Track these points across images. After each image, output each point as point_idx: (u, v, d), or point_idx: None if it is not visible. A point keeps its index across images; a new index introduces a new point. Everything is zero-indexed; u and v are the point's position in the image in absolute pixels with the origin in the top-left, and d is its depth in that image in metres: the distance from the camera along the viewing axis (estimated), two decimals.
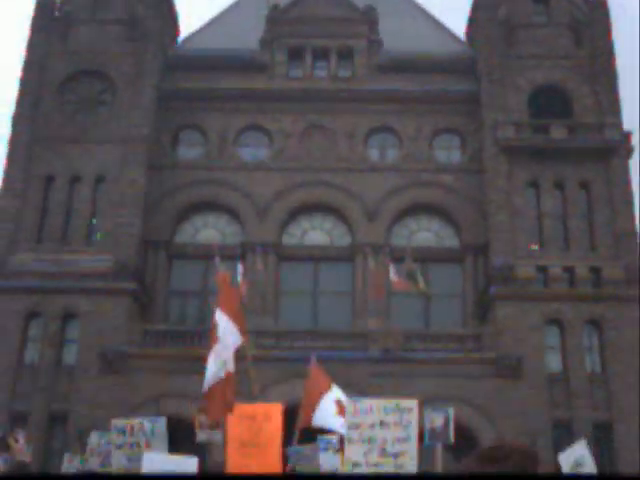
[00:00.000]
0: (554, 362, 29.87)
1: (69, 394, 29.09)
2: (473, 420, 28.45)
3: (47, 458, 27.34)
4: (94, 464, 9.43)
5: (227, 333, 12.31)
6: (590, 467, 5.71)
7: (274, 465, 10.81)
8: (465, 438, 26.37)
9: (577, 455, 5.95)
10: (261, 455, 10.78)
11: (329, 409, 12.67)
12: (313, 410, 12.80)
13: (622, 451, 27.80)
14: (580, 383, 29.15)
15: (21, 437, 12.17)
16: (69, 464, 9.37)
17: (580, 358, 29.60)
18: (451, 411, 11.22)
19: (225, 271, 26.11)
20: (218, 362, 11.75)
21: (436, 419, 11.12)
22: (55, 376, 29.46)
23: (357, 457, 9.53)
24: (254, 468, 10.66)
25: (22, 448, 12.00)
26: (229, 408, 11.27)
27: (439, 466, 10.68)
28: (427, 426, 11.09)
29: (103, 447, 10.09)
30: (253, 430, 10.91)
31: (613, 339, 29.45)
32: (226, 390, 11.36)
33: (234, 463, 10.64)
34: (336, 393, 13.14)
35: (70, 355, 30.16)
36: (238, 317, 12.67)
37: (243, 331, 12.59)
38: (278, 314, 32.59)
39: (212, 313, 12.99)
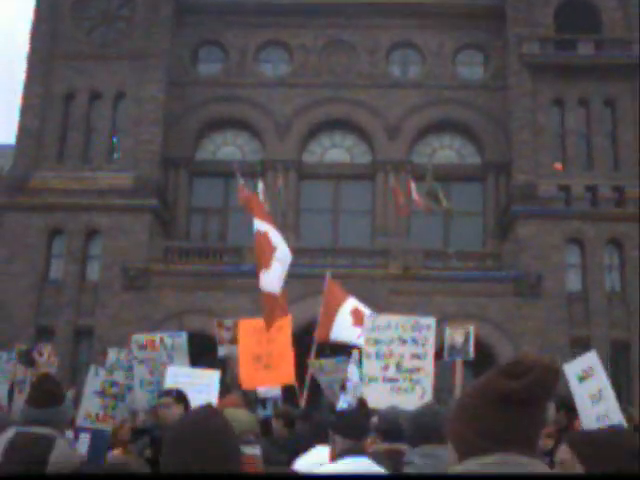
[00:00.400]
0: (574, 281, 29.89)
1: (93, 310, 29.61)
2: (492, 337, 28.72)
3: (74, 372, 28.01)
4: (118, 377, 9.62)
5: (280, 243, 12.48)
6: (599, 380, 5.70)
7: (288, 376, 10.85)
8: (484, 355, 26.67)
9: (585, 366, 5.93)
10: (274, 367, 10.78)
11: (345, 321, 12.72)
12: (330, 325, 12.84)
13: (637, 369, 28.03)
14: (599, 302, 29.23)
15: (45, 351, 12.44)
16: (95, 377, 9.56)
17: (600, 277, 29.60)
18: (471, 328, 11.30)
19: (246, 188, 26.17)
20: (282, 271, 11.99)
21: (456, 336, 11.22)
22: (79, 292, 29.93)
23: (373, 372, 9.69)
24: (267, 381, 10.75)
25: (47, 361, 12.29)
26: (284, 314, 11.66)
27: (459, 380, 10.79)
28: (447, 343, 11.19)
29: (124, 362, 10.25)
30: (263, 343, 10.90)
31: (634, 258, 29.36)
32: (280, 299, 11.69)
33: (247, 377, 10.70)
34: (352, 303, 13.15)
35: (93, 271, 30.57)
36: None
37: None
38: (299, 232, 32.70)
39: (251, 225, 13.07)
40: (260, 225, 12.59)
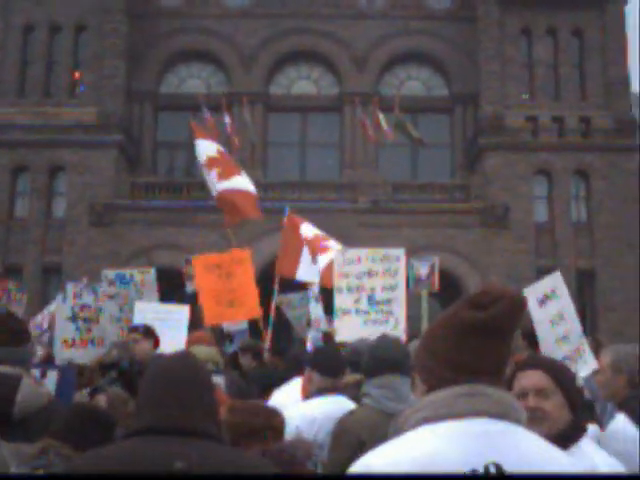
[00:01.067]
0: (541, 212, 30.16)
1: (61, 247, 29.37)
2: (460, 269, 29.02)
3: (44, 308, 27.89)
4: (88, 300, 9.57)
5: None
6: (561, 302, 5.71)
7: (253, 310, 10.78)
8: (451, 287, 26.99)
9: (547, 288, 5.93)
10: (237, 302, 10.68)
11: (307, 259, 12.74)
12: (296, 261, 12.80)
13: (603, 298, 28.58)
14: (565, 232, 29.57)
15: (13, 289, 12.33)
16: (63, 303, 9.51)
17: (566, 208, 29.89)
18: (436, 260, 11.34)
19: (211, 122, 25.82)
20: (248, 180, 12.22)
21: (421, 267, 11.28)
22: (45, 229, 29.64)
23: (346, 305, 9.75)
24: (232, 316, 10.68)
25: (14, 299, 12.19)
26: (246, 216, 11.92)
27: (425, 311, 10.91)
28: (412, 274, 11.23)
29: (89, 297, 10.17)
30: (223, 278, 10.80)
31: (600, 189, 29.64)
32: (248, 203, 11.92)
33: (210, 313, 10.63)
34: (309, 231, 13.17)
35: (59, 208, 30.23)
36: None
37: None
38: (266, 166, 32.50)
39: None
40: (211, 146, 12.66)
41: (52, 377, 4.84)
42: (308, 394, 5.12)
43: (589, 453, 2.99)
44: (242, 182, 12.42)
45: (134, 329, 7.62)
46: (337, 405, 4.90)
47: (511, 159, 29.74)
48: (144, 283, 10.68)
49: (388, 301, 9.67)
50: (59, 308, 9.55)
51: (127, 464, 2.30)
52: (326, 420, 4.78)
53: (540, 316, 5.93)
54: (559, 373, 3.17)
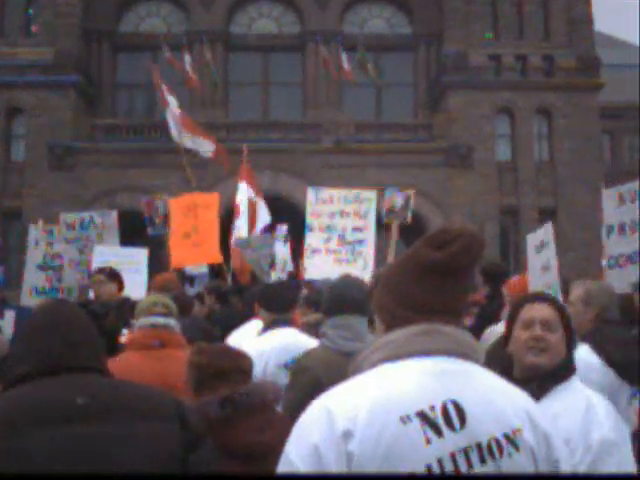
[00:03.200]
0: (503, 151, 30.28)
1: (20, 190, 28.93)
2: (423, 208, 29.09)
3: (5, 255, 27.62)
4: (59, 249, 9.50)
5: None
6: (549, 252, 5.83)
7: (214, 254, 10.83)
8: (415, 226, 27.10)
9: (541, 237, 6.07)
10: (200, 244, 10.73)
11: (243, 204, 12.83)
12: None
13: (564, 237, 28.91)
14: (528, 171, 29.75)
15: None
16: (35, 249, 9.43)
17: (529, 146, 30.02)
18: (412, 193, 11.34)
19: (174, 61, 25.39)
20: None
21: (397, 199, 11.25)
22: (4, 173, 29.12)
23: (316, 244, 9.84)
24: (195, 258, 10.73)
25: None
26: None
27: (393, 243, 10.89)
28: (385, 206, 11.18)
29: (62, 238, 10.08)
30: (190, 220, 10.83)
31: (562, 127, 29.76)
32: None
33: (177, 255, 10.67)
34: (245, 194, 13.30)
35: (18, 152, 29.67)
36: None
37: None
38: (228, 106, 32.11)
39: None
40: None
41: (9, 316, 4.81)
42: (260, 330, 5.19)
43: (581, 389, 3.06)
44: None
45: (99, 271, 7.55)
46: (285, 337, 4.96)
47: (474, 98, 29.68)
48: (105, 226, 10.59)
49: (358, 242, 9.78)
50: (30, 254, 9.48)
51: (24, 408, 2.31)
52: (274, 352, 4.85)
53: (534, 262, 6.05)
54: (563, 310, 3.24)
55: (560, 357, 3.11)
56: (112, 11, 32.12)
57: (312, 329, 5.43)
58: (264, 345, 4.92)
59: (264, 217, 12.97)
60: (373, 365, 1.99)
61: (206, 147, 12.46)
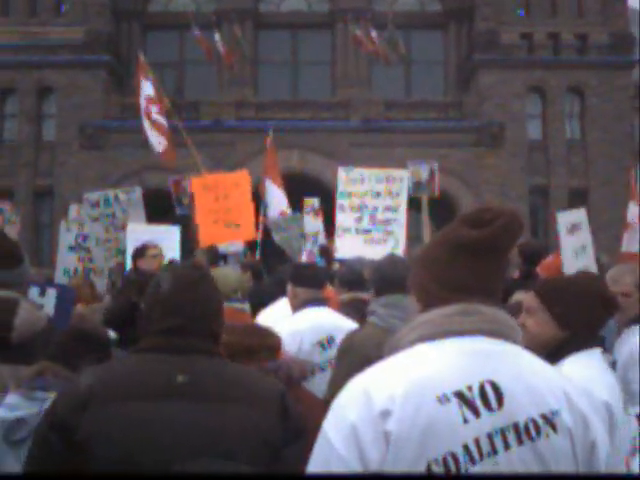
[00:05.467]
0: (534, 130, 29.98)
1: (52, 170, 29.19)
2: (453, 188, 28.96)
3: (36, 232, 27.94)
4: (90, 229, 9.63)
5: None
6: (585, 236, 5.79)
7: (249, 232, 10.78)
8: (445, 206, 27.00)
9: (574, 220, 6.02)
10: (233, 223, 10.66)
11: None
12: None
13: (596, 217, 28.58)
14: (559, 150, 29.46)
15: (8, 210, 12.29)
16: (67, 232, 9.55)
17: (560, 126, 29.70)
18: (436, 165, 11.26)
19: (203, 40, 25.40)
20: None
21: (421, 172, 11.20)
22: (36, 152, 29.39)
23: (347, 224, 9.87)
24: (228, 237, 10.71)
25: (9, 221, 12.15)
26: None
27: (426, 220, 10.87)
28: (412, 180, 11.14)
29: (87, 218, 10.21)
30: (221, 199, 10.77)
31: (594, 106, 29.40)
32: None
33: (206, 234, 10.63)
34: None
35: (49, 131, 29.92)
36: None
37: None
38: (257, 84, 32.08)
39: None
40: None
41: (51, 296, 4.87)
42: (294, 309, 5.20)
43: (569, 371, 3.00)
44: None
45: (154, 246, 7.66)
46: (320, 316, 4.98)
47: (505, 76, 29.39)
48: (130, 203, 10.65)
49: (389, 221, 9.78)
50: (62, 235, 9.60)
51: (129, 379, 2.38)
52: (309, 330, 4.87)
53: (567, 243, 6.01)
54: (548, 292, 3.25)
55: (544, 338, 3.18)
56: None
57: (346, 308, 5.45)
58: (299, 323, 4.95)
59: (280, 202, 12.94)
60: (410, 344, 1.99)
61: (159, 141, 12.41)
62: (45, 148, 29.48)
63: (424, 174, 11.15)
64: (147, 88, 12.39)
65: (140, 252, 7.58)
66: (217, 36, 26.59)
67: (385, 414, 1.83)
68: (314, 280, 5.17)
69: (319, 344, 4.85)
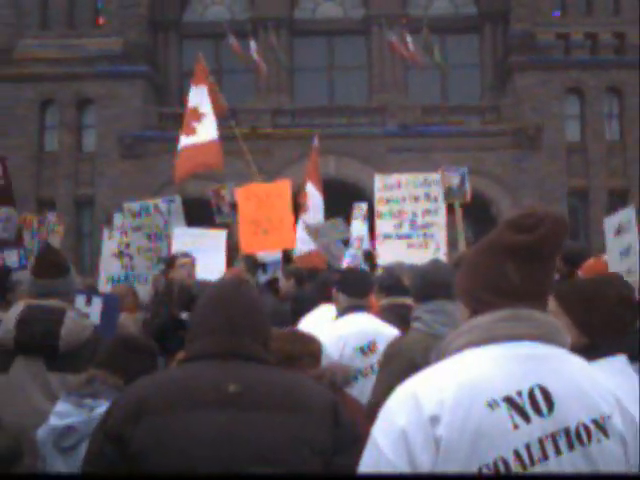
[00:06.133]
0: (573, 131, 29.68)
1: (92, 179, 29.57)
2: (491, 191, 28.80)
3: (78, 241, 28.29)
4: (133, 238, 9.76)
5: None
6: (631, 236, 5.69)
7: (289, 241, 10.83)
8: (483, 210, 26.87)
9: (621, 220, 5.93)
10: (274, 232, 10.72)
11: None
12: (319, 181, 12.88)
13: (637, 218, 28.19)
14: (598, 151, 29.12)
15: (55, 219, 12.45)
16: (109, 240, 9.71)
17: (599, 126, 29.36)
18: (466, 170, 11.18)
19: (238, 48, 25.54)
20: (211, 127, 11.79)
21: (452, 179, 11.14)
22: (76, 163, 29.80)
23: (387, 230, 9.87)
24: (268, 246, 10.74)
25: (52, 231, 12.32)
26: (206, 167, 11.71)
27: (460, 226, 10.81)
28: (443, 186, 11.09)
29: (128, 227, 10.32)
30: (263, 208, 10.82)
31: (633, 106, 29.00)
32: (208, 152, 11.63)
33: (247, 242, 10.69)
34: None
35: (89, 141, 30.33)
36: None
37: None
38: (293, 92, 32.19)
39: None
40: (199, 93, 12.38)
41: (97, 304, 4.94)
42: (337, 314, 5.21)
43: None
44: (204, 130, 12.02)
45: (185, 254, 7.74)
46: (362, 322, 4.99)
47: (542, 78, 29.14)
48: (170, 212, 10.73)
49: (429, 225, 9.77)
50: (105, 244, 9.71)
51: (179, 389, 2.38)
52: (351, 336, 4.89)
53: (612, 245, 5.93)
54: (566, 296, 3.07)
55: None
56: (177, 0, 32.48)
57: (385, 313, 5.45)
58: (342, 329, 4.97)
59: (319, 208, 12.97)
60: (458, 350, 1.99)
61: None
62: (85, 158, 29.88)
63: (455, 180, 11.08)
64: (196, 97, 12.35)
65: (170, 262, 7.68)
66: (253, 44, 26.75)
67: (435, 419, 1.83)
68: (357, 287, 5.18)
69: (361, 349, 4.87)
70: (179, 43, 32.81)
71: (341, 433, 2.39)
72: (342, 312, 5.14)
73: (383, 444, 1.84)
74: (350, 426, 2.45)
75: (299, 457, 2.31)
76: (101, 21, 31.14)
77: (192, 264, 7.48)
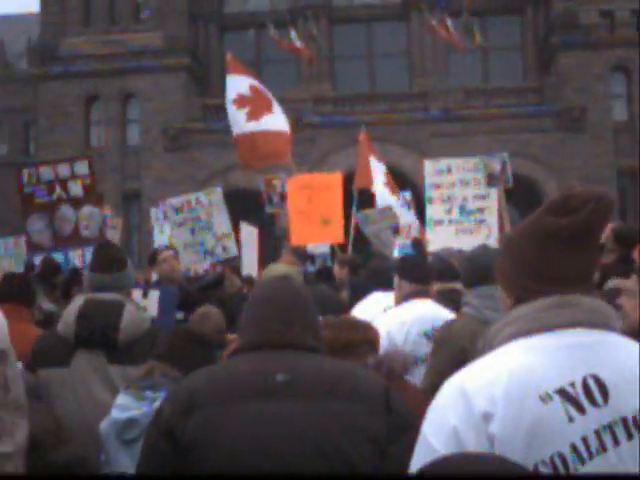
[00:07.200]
0: (619, 111, 29.18)
1: (138, 173, 29.90)
2: (536, 174, 28.51)
3: (127, 235, 28.67)
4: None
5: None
6: None
7: (338, 234, 10.82)
8: (528, 193, 26.59)
9: None
10: (324, 224, 10.67)
11: (379, 180, 12.54)
12: (370, 174, 12.63)
13: None
14: None
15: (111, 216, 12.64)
16: (160, 235, 9.86)
17: None
18: (506, 155, 11.06)
19: (278, 38, 25.57)
20: (282, 118, 11.63)
21: (493, 164, 11.04)
22: (122, 157, 30.17)
23: (438, 215, 9.82)
24: (318, 238, 10.74)
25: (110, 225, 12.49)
26: (273, 160, 11.57)
27: (505, 211, 10.72)
28: (485, 172, 10.99)
29: (171, 223, 10.44)
30: (313, 200, 10.79)
31: None
32: (278, 144, 11.48)
33: (297, 233, 10.69)
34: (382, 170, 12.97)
35: (134, 135, 30.67)
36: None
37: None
38: (334, 79, 32.13)
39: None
40: (243, 82, 12.17)
41: (154, 297, 5.02)
42: (397, 301, 5.23)
43: None
44: (273, 121, 11.80)
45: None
46: (425, 308, 5.01)
47: (586, 57, 28.69)
48: (212, 204, 10.79)
49: (480, 210, 9.69)
50: (156, 238, 9.84)
51: (228, 381, 2.41)
52: (415, 321, 4.89)
53: None
54: None
55: (636, 321, 3.07)
56: None
57: (437, 298, 5.47)
58: (405, 315, 4.98)
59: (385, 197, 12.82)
60: (504, 341, 1.91)
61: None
62: (130, 152, 30.22)
63: (496, 166, 10.97)
64: (238, 86, 12.19)
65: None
66: (293, 33, 26.77)
67: (487, 417, 1.77)
68: (417, 273, 5.20)
69: (425, 334, 4.89)
70: (220, 35, 32.96)
71: (394, 421, 2.36)
72: (404, 298, 5.16)
73: (435, 442, 1.79)
74: (403, 414, 2.41)
75: (352, 446, 2.29)
76: (142, 16, 31.42)
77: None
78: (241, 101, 11.69)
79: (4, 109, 37.57)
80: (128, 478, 3.46)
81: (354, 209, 12.15)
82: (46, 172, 8.64)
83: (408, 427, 2.31)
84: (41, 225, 8.48)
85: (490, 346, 1.96)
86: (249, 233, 9.96)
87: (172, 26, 30.57)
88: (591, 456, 1.76)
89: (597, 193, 1.92)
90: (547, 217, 1.93)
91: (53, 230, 8.47)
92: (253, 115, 11.46)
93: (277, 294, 2.58)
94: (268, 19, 27.44)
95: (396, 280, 5.28)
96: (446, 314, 4.93)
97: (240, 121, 11.47)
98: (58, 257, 8.19)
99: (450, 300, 5.34)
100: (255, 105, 11.61)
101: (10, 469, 2.17)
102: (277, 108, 11.59)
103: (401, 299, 5.18)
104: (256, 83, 12.03)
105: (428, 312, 4.99)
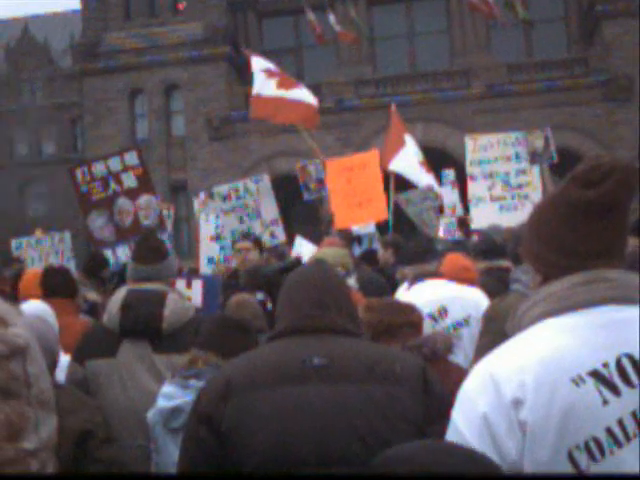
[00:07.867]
0: None
1: (184, 164, 30.18)
2: (584, 147, 27.99)
3: (175, 226, 28.92)
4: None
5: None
6: None
7: (380, 212, 10.77)
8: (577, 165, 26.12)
9: None
10: (366, 204, 10.67)
11: (410, 157, 12.42)
12: (392, 155, 12.52)
13: None
14: None
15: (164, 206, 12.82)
16: (206, 222, 9.96)
17: None
18: (549, 130, 10.90)
19: (314, 23, 25.47)
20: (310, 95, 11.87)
21: (536, 140, 10.89)
22: (168, 148, 30.46)
23: (480, 192, 9.72)
24: (361, 218, 10.73)
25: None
26: (301, 122, 11.76)
27: (549, 185, 10.60)
28: (528, 149, 10.85)
29: (219, 211, 10.53)
30: (352, 181, 10.79)
31: None
32: (307, 112, 11.68)
33: (340, 216, 10.70)
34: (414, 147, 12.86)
35: (178, 126, 30.94)
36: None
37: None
38: (375, 61, 31.95)
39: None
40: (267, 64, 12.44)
41: (197, 287, 5.09)
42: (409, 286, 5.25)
43: None
44: (302, 94, 12.07)
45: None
46: (431, 288, 5.04)
47: (632, 25, 28.00)
48: (259, 191, 10.87)
49: (523, 185, 9.57)
50: (203, 225, 9.96)
51: (264, 366, 2.43)
52: (419, 305, 4.92)
53: None
54: None
55: None
56: None
57: (484, 277, 5.44)
58: (411, 299, 5.01)
59: (414, 171, 12.73)
60: (533, 321, 1.86)
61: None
62: (176, 143, 30.51)
63: (539, 142, 10.81)
64: (266, 63, 12.51)
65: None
66: (332, 17, 26.64)
67: (517, 403, 1.72)
68: (416, 255, 5.20)
69: (430, 317, 4.88)
70: (258, 22, 32.99)
71: (432, 402, 2.36)
72: (411, 282, 5.17)
73: (466, 431, 1.75)
74: (441, 395, 2.41)
75: (390, 427, 2.29)
76: (181, 7, 31.62)
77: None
78: (271, 74, 12.02)
79: (51, 107, 38.25)
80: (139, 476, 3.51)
81: (390, 192, 12.07)
82: (98, 168, 8.84)
83: (446, 408, 2.24)
84: (102, 221, 8.67)
85: (519, 326, 1.91)
86: (299, 244, 9.96)
87: (211, 16, 30.71)
88: (628, 439, 1.70)
89: (622, 163, 1.85)
90: (572, 189, 1.86)
91: (114, 224, 8.65)
92: (283, 85, 11.80)
93: (310, 278, 2.61)
94: (305, 4, 27.31)
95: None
96: (462, 292, 4.93)
97: (269, 87, 11.79)
98: (125, 251, 8.39)
99: (497, 278, 5.32)
100: (284, 79, 11.97)
101: (35, 466, 2.15)
102: (305, 89, 11.93)
103: (409, 284, 5.19)
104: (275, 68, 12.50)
105: (435, 292, 5.00)
